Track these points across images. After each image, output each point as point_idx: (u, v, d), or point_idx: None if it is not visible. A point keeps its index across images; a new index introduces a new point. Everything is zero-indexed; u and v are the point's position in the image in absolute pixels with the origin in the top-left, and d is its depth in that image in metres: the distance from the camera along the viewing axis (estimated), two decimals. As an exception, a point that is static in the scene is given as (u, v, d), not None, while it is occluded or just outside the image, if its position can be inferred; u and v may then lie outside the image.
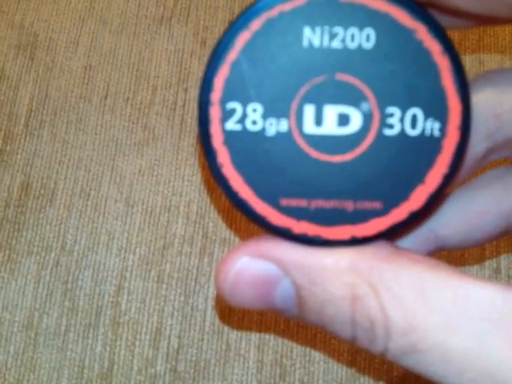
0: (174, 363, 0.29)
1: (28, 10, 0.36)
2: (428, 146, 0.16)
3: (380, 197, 0.16)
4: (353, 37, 0.16)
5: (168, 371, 0.29)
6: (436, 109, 0.16)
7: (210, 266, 0.31)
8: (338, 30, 0.16)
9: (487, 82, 0.19)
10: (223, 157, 0.16)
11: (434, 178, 0.16)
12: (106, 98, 0.34)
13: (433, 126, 0.16)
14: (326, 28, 0.16)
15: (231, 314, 0.30)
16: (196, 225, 0.31)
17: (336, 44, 0.16)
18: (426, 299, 0.15)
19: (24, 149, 0.33)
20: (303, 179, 0.16)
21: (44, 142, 0.33)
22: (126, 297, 0.30)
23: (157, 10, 0.36)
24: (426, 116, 0.16)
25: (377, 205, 0.16)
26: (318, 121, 0.16)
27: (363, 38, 0.16)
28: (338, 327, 0.16)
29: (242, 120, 0.16)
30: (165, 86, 0.34)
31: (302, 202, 0.17)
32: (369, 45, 0.16)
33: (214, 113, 0.16)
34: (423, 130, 0.16)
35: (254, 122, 0.16)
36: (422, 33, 0.16)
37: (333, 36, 0.16)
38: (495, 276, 0.30)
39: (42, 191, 0.32)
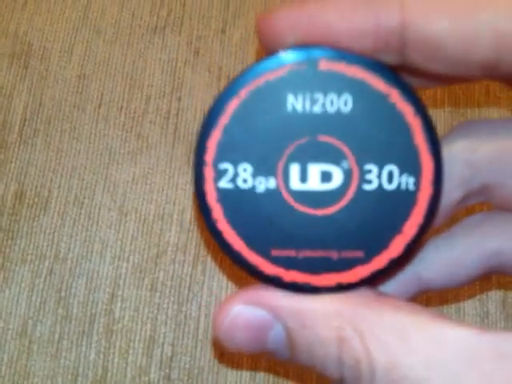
0: (167, 371, 0.29)
1: (22, 19, 0.36)
2: (404, 199, 0.18)
3: (362, 246, 0.18)
4: (332, 102, 0.18)
5: (162, 379, 0.29)
6: (410, 165, 0.18)
7: (203, 274, 0.31)
8: (319, 96, 0.18)
9: (461, 133, 0.20)
10: (217, 213, 0.18)
11: (410, 228, 0.18)
12: (99, 106, 0.34)
13: (408, 181, 0.18)
14: (308, 94, 0.18)
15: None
16: (189, 233, 0.32)
17: (317, 109, 0.18)
18: (406, 341, 0.16)
19: (18, 157, 0.33)
20: (291, 231, 0.18)
21: (38, 150, 0.33)
22: (119, 305, 0.30)
23: (150, 20, 0.36)
24: (401, 172, 0.18)
25: (359, 254, 0.18)
26: (303, 178, 0.18)
27: (341, 103, 0.18)
28: (326, 367, 0.17)
29: (233, 179, 0.18)
30: (158, 95, 0.34)
31: (291, 253, 0.18)
32: (347, 109, 0.18)
33: (208, 173, 0.18)
34: (399, 185, 0.18)
35: (245, 181, 0.18)
36: (395, 97, 0.18)
37: (314, 101, 0.18)
38: (486, 283, 0.31)
39: (36, 199, 0.32)
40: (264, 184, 0.18)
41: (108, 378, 0.29)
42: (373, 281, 0.18)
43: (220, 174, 0.18)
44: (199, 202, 0.18)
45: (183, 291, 0.31)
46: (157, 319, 0.30)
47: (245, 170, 0.18)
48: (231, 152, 0.18)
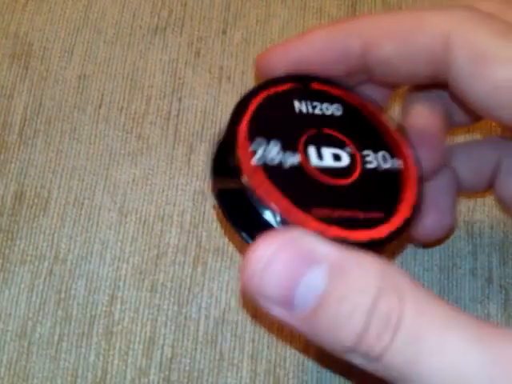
0: (167, 373, 0.29)
1: (23, 19, 0.36)
2: (398, 175, 0.22)
3: (380, 209, 0.21)
4: (327, 108, 0.23)
5: (161, 381, 0.29)
6: (396, 151, 0.23)
7: (203, 276, 0.31)
8: (316, 103, 0.23)
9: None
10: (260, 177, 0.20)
11: (410, 195, 0.22)
12: (100, 107, 0.34)
13: (398, 162, 0.23)
14: (308, 101, 0.23)
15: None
16: (189, 234, 0.32)
17: (317, 111, 0.23)
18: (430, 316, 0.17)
19: (18, 158, 0.33)
20: (321, 195, 0.21)
21: (38, 151, 0.33)
22: (119, 306, 0.30)
23: (151, 20, 0.36)
24: (391, 156, 0.23)
25: (380, 215, 0.21)
26: (320, 157, 0.21)
27: (334, 109, 0.23)
28: (350, 321, 0.17)
29: (266, 153, 0.21)
30: (159, 95, 0.34)
31: (328, 212, 0.20)
32: (339, 112, 0.23)
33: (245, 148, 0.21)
34: (392, 164, 0.23)
35: (278, 153, 0.21)
36: (370, 107, 0.24)
37: (314, 107, 0.23)
38: (487, 285, 0.31)
39: (36, 200, 0.32)
40: (292, 158, 0.21)
41: (107, 380, 0.29)
42: (397, 236, 0.21)
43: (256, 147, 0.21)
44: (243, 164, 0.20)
45: (183, 292, 0.30)
46: (157, 321, 0.30)
47: (276, 144, 0.21)
48: (262, 131, 0.21)
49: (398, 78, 0.23)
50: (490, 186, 0.28)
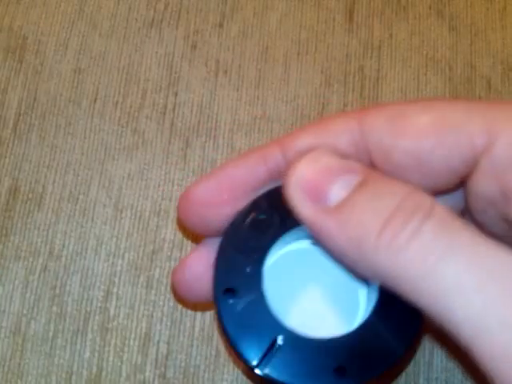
0: (163, 369, 0.29)
1: (17, 12, 0.36)
2: None
3: None
4: None
5: (157, 377, 0.29)
6: None
7: (199, 271, 0.30)
8: None
9: None
10: None
11: None
12: (95, 101, 0.34)
13: None
14: None
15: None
16: (185, 229, 0.31)
17: None
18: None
19: (12, 153, 0.32)
20: None
21: (32, 145, 0.33)
22: (114, 302, 0.30)
23: (147, 13, 0.36)
24: None
25: None
26: None
27: None
28: (381, 208, 0.18)
29: None
30: (155, 89, 0.34)
31: None
32: None
33: None
34: None
35: None
36: None
37: None
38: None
39: (30, 195, 0.32)
40: None
41: (103, 377, 0.29)
42: None
43: None
44: None
45: (179, 288, 0.30)
46: (152, 317, 0.30)
47: None
48: None
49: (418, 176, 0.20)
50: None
